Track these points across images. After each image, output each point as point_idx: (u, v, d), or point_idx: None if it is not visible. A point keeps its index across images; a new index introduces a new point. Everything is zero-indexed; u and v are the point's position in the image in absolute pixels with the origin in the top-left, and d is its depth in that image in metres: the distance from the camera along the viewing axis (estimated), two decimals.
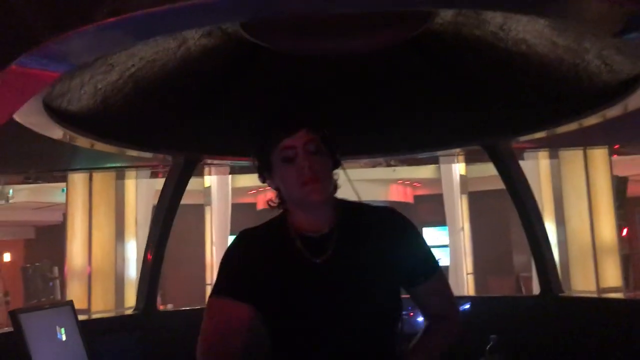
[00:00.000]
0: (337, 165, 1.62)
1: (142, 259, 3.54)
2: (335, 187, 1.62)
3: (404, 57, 2.70)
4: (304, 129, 1.53)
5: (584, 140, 4.74)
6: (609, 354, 2.77)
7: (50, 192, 11.55)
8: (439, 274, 1.67)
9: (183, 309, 3.42)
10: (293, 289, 1.54)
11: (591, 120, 2.69)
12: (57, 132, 2.40)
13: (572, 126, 2.78)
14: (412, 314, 3.19)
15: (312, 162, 1.51)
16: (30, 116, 2.14)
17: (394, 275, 1.58)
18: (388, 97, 2.92)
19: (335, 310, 1.51)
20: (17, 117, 2.09)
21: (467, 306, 3.44)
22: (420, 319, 3.30)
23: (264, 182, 1.61)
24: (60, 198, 11.35)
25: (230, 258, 1.60)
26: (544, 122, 2.78)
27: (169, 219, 3.23)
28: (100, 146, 2.72)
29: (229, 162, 3.38)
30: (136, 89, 2.55)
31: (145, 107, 2.69)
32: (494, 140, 3.00)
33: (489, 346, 2.80)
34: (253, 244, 1.60)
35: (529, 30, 2.36)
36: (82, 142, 2.59)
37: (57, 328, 2.75)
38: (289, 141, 1.51)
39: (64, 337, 2.76)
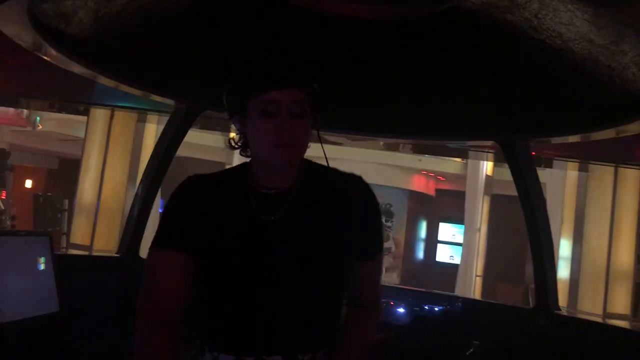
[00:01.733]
0: (315, 126, 1.49)
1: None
2: (304, 150, 1.50)
3: (430, 33, 2.52)
4: (295, 85, 1.41)
5: (618, 156, 4.51)
6: None
7: (77, 126, 11.63)
8: (380, 258, 1.59)
9: None
10: (238, 245, 1.42)
11: (621, 132, 2.48)
12: (49, 53, 2.29)
13: (598, 135, 2.57)
14: (392, 302, 3.07)
15: (294, 125, 1.39)
16: (16, 28, 2.02)
17: (348, 245, 1.48)
18: (406, 74, 2.74)
19: (279, 273, 1.41)
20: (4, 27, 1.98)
21: (457, 304, 3.31)
22: (402, 309, 3.19)
23: (230, 119, 1.48)
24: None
25: (173, 205, 1.48)
26: (568, 126, 2.58)
27: (163, 167, 3.11)
28: (95, 76, 2.60)
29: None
30: (142, 21, 2.42)
31: (150, 43, 2.56)
32: (512, 138, 2.80)
33: (469, 352, 2.69)
34: (200, 191, 1.48)
35: (565, 23, 2.15)
36: (77, 68, 2.47)
37: (38, 258, 2.69)
38: (276, 95, 1.39)
39: (42, 267, 2.70)
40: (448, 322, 3.15)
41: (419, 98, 2.85)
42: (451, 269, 11.29)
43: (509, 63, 2.53)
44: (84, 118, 10.51)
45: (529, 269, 12.73)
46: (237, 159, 7.58)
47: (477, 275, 11.14)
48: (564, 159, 5.62)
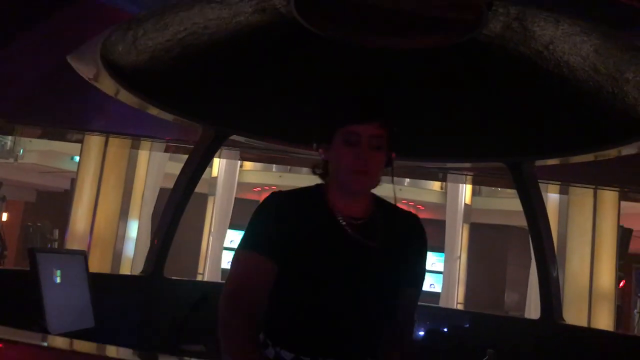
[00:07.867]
0: (389, 163, 1.66)
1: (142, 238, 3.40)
2: (377, 182, 1.66)
3: (448, 63, 2.76)
4: (377, 121, 1.57)
5: (599, 177, 4.75)
6: None
7: (60, 158, 11.60)
8: (420, 288, 1.71)
9: (191, 279, 3.50)
10: (332, 263, 1.59)
11: (621, 152, 2.74)
12: (105, 82, 2.45)
13: (604, 154, 2.83)
14: None
15: (371, 156, 1.56)
16: (85, 61, 2.20)
17: (404, 272, 1.66)
18: (423, 101, 2.96)
19: (359, 292, 1.59)
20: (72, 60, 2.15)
21: (466, 318, 3.50)
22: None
23: (316, 149, 1.65)
24: (68, 165, 11.43)
25: (262, 216, 1.64)
26: (571, 147, 2.83)
27: (190, 189, 3.27)
28: (136, 102, 2.76)
29: (258, 142, 3.40)
30: (183, 53, 2.61)
31: (188, 72, 2.75)
32: (520, 160, 3.04)
33: (485, 359, 2.85)
34: (286, 206, 1.65)
35: (573, 53, 2.41)
36: (123, 95, 2.64)
37: (54, 270, 2.68)
38: (358, 127, 1.56)
39: (58, 280, 2.75)
40: (460, 335, 3.33)
41: (432, 122, 3.07)
42: (432, 297, 11.44)
43: (518, 90, 2.78)
44: (66, 150, 10.52)
45: (509, 297, 13.00)
46: (221, 189, 7.63)
47: (458, 303, 11.31)
48: (544, 181, 5.84)
